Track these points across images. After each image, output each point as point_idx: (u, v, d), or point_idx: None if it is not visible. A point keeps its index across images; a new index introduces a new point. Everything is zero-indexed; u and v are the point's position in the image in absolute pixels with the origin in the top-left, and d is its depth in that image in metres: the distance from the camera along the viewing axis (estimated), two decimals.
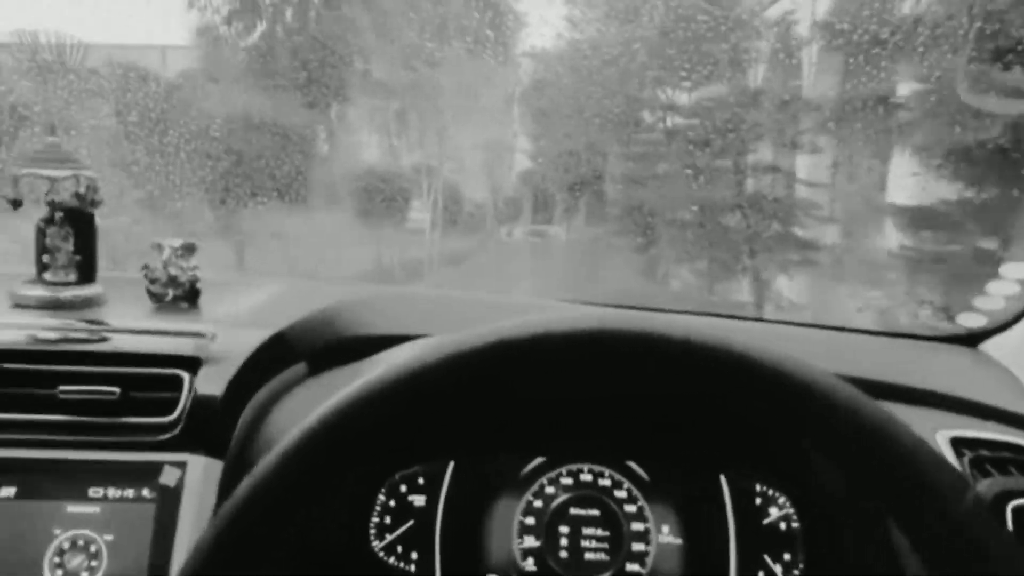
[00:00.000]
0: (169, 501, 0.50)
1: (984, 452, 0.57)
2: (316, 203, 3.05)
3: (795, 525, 0.62)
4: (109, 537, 0.49)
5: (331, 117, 3.26)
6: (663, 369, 0.35)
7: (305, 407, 0.58)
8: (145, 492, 0.51)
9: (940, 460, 0.31)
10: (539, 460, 0.65)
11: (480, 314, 0.75)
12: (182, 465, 0.52)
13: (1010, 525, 0.53)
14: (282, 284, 0.77)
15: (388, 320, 0.67)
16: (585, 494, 0.64)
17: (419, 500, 0.63)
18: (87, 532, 0.50)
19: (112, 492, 0.51)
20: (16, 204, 0.55)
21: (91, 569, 0.49)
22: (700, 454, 0.64)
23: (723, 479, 0.63)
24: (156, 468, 0.51)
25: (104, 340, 0.56)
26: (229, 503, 0.31)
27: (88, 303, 0.63)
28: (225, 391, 0.55)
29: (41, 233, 0.58)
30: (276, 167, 2.79)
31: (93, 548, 0.49)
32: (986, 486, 0.54)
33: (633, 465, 0.65)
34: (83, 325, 0.57)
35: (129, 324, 0.59)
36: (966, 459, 0.56)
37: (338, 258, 3.05)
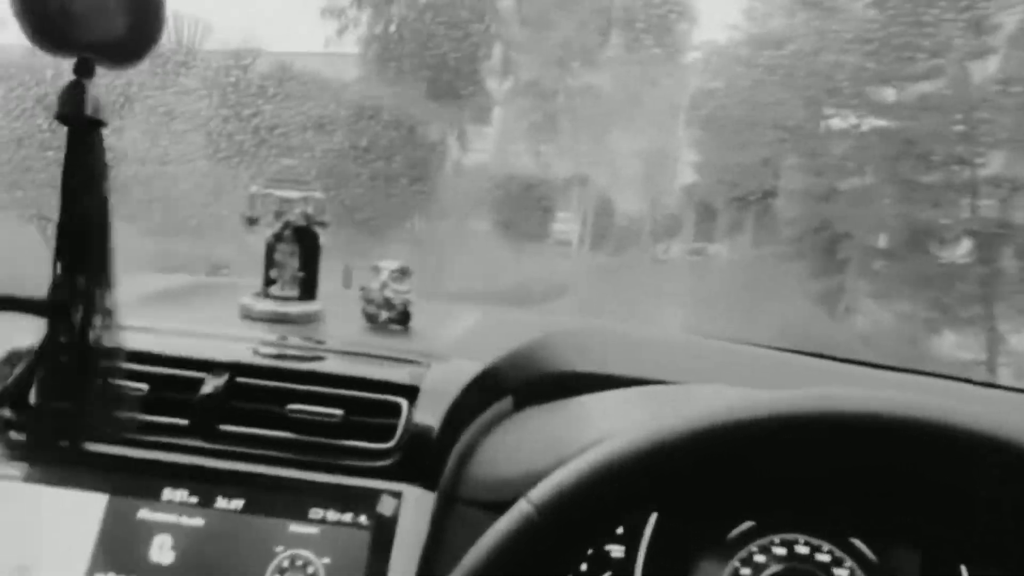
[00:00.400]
0: (384, 530, 0.54)
1: None
2: (450, 211, 3.19)
3: None
4: (326, 560, 0.54)
5: (469, 117, 3.38)
6: (921, 455, 0.35)
7: (511, 444, 0.62)
8: (362, 519, 0.55)
9: None
10: (749, 524, 0.64)
11: (688, 359, 0.76)
12: (398, 495, 0.55)
13: None
14: (486, 312, 0.82)
15: (593, 358, 0.69)
16: (800, 568, 0.62)
17: (617, 551, 0.63)
18: (306, 553, 0.54)
19: (331, 515, 0.55)
20: (252, 222, 0.64)
21: None
22: (940, 539, 0.61)
23: (964, 570, 0.60)
24: (373, 495, 0.56)
25: (326, 360, 0.62)
26: None
27: (309, 319, 0.71)
28: (442, 422, 0.58)
29: (271, 249, 0.66)
30: (406, 171, 2.95)
31: (311, 569, 0.54)
32: None
33: (857, 542, 0.62)
34: (308, 343, 0.63)
35: (349, 346, 0.65)
36: None
37: (474, 272, 3.15)
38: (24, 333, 0.65)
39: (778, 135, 2.87)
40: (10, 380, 0.60)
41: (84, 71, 0.42)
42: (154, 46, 0.43)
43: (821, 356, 0.79)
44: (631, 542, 0.64)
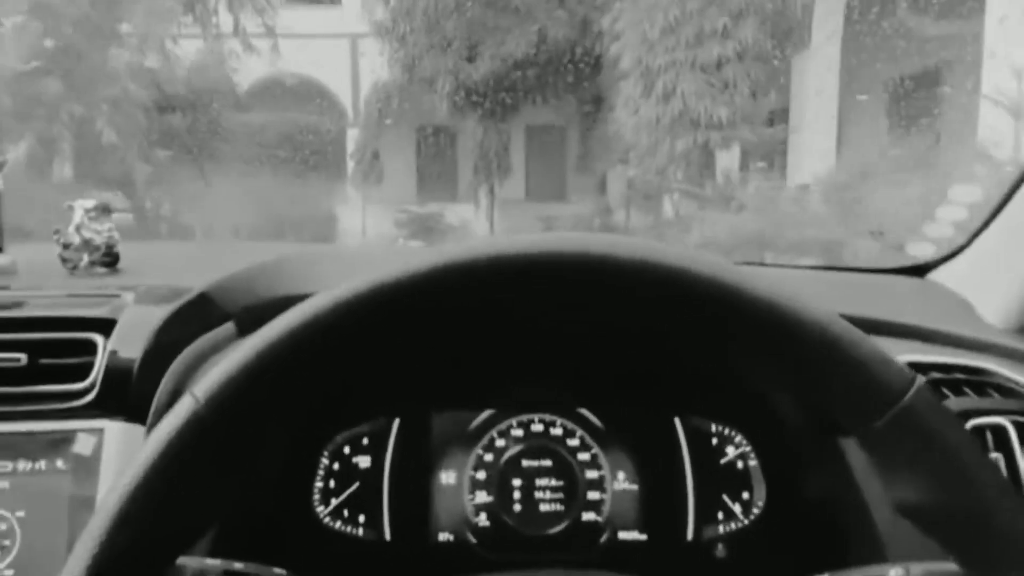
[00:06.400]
0: (86, 470, 0.57)
1: (937, 375, 0.67)
2: None
3: (752, 463, 0.74)
4: (21, 513, 0.57)
5: None
6: (615, 292, 0.38)
7: None
8: (59, 463, 0.58)
9: (882, 354, 0.36)
10: (488, 413, 0.74)
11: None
12: (99, 432, 0.59)
13: None
14: (198, 245, 0.91)
15: (311, 279, 0.75)
16: (537, 444, 0.74)
17: (364, 461, 0.73)
18: None
19: (22, 465, 0.58)
20: None
21: (3, 548, 0.56)
22: (653, 398, 0.75)
23: (677, 421, 0.74)
24: (70, 437, 0.59)
25: (10, 307, 0.65)
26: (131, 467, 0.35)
27: None
28: (144, 352, 0.62)
29: None
30: None
31: (3, 526, 0.56)
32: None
33: (585, 412, 0.75)
34: None
35: (40, 291, 0.68)
36: None
37: None
38: None
39: None
40: None
41: None
42: None
43: None
44: (377, 451, 0.73)
